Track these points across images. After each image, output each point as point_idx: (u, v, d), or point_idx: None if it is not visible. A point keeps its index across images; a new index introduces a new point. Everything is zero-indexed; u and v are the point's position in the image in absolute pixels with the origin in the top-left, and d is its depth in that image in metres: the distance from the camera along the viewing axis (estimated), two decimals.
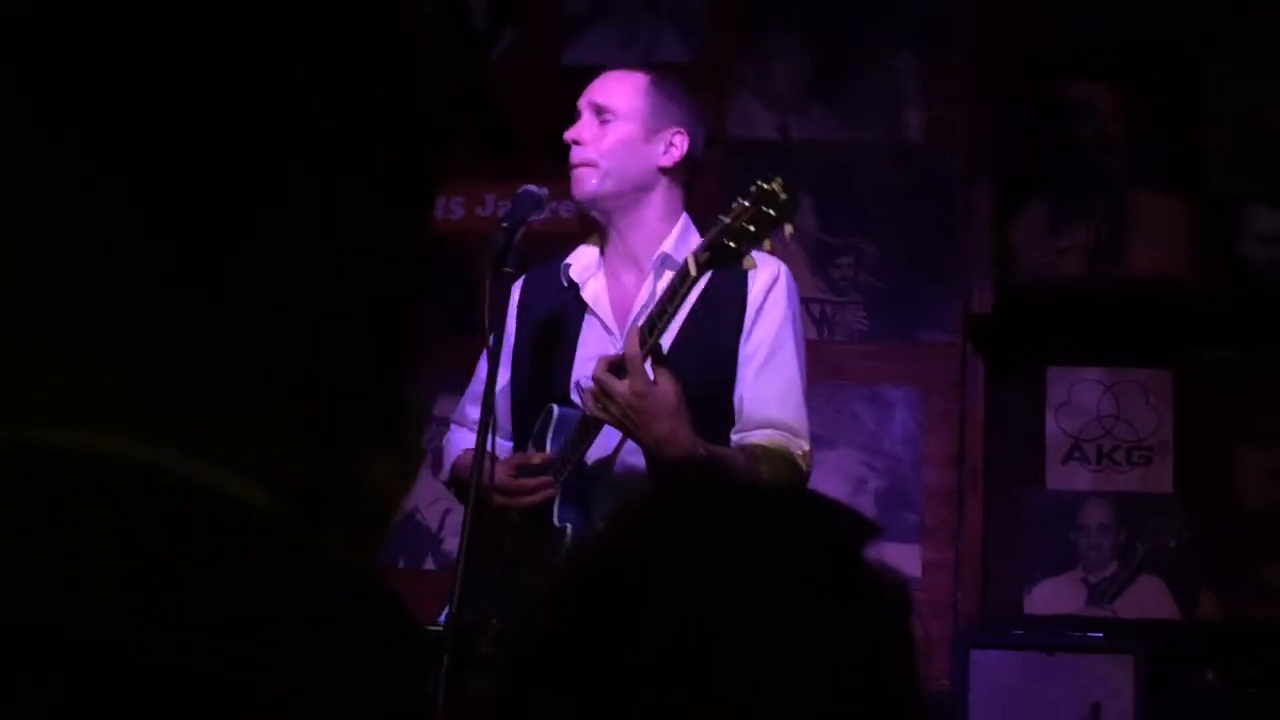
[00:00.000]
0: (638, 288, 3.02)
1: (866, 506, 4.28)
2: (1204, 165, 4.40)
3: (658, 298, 2.78)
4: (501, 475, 2.92)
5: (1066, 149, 4.48)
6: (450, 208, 4.58)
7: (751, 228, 2.69)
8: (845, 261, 4.49)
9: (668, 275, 2.95)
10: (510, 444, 3.11)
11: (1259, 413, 4.32)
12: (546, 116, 4.06)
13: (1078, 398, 4.43)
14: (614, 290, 3.05)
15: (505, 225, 2.90)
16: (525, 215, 2.92)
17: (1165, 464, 4.36)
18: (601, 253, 3.06)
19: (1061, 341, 4.43)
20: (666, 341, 2.87)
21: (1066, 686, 3.90)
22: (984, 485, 4.33)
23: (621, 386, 2.70)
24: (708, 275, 2.90)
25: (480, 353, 2.99)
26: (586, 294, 3.03)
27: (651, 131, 3.03)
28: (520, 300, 3.12)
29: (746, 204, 2.69)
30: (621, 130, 3.02)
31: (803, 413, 3.00)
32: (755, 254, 2.95)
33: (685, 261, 2.74)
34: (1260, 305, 4.30)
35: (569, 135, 3.02)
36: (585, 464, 2.94)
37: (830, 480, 4.11)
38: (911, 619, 0.98)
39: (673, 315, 2.76)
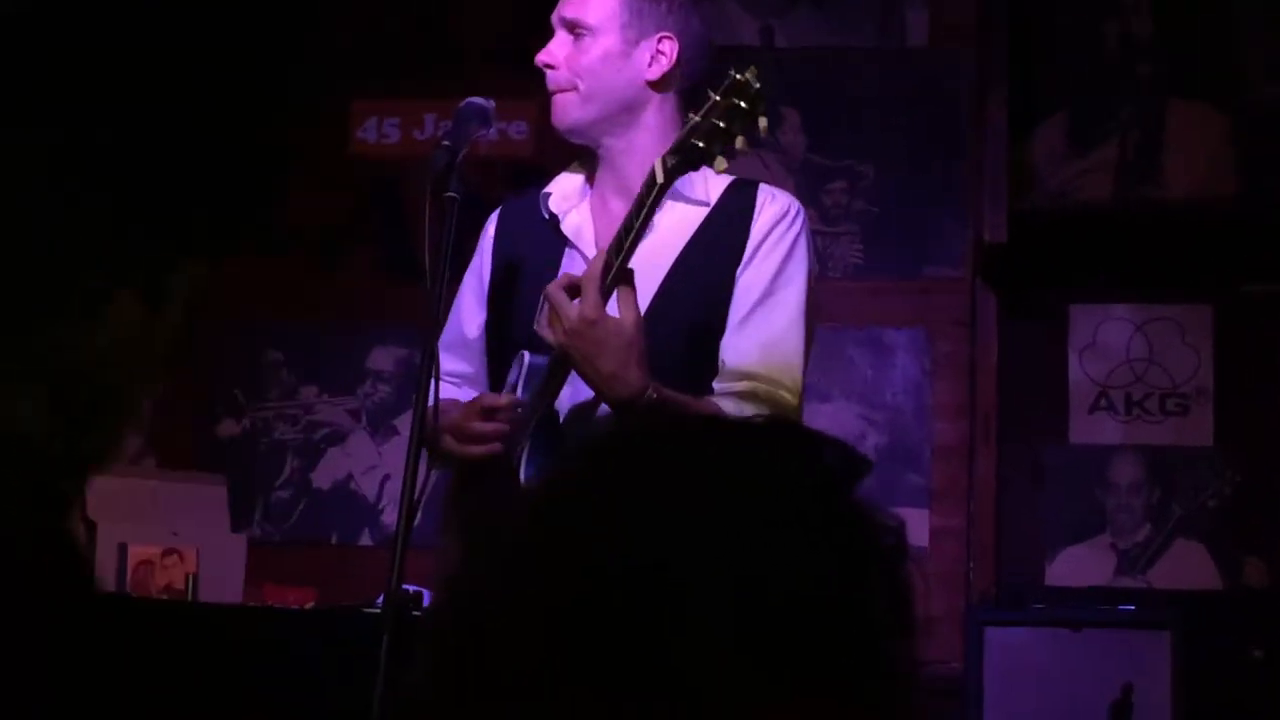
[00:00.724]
0: (623, 214, 2.96)
1: None
2: (1248, 68, 4.42)
3: (627, 216, 2.76)
4: (461, 418, 2.91)
5: (1090, 52, 4.49)
6: (384, 130, 4.60)
7: (722, 124, 2.63)
8: (838, 186, 4.49)
9: (674, 206, 2.94)
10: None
11: None
12: (494, 23, 4.26)
13: (1104, 339, 4.44)
14: (600, 221, 3.01)
15: (447, 144, 2.82)
16: (470, 132, 2.86)
17: (1204, 413, 4.38)
18: (589, 181, 3.04)
19: (1086, 274, 4.45)
20: (656, 274, 2.88)
21: (1094, 666, 3.89)
22: (998, 440, 4.35)
23: (571, 309, 2.67)
24: (713, 203, 2.94)
25: (450, 298, 3.02)
26: (567, 226, 3.00)
27: (633, 41, 2.96)
28: (496, 235, 3.12)
29: (717, 98, 2.64)
30: (598, 45, 2.95)
31: (793, 367, 2.97)
32: (766, 186, 3.01)
33: (653, 170, 2.70)
34: None
35: (541, 58, 2.97)
36: (559, 412, 2.91)
37: None
38: (906, 566, 0.97)
39: (640, 232, 2.71)
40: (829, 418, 4.27)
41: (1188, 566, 4.29)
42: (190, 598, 3.93)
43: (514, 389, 2.96)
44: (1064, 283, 4.45)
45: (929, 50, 4.50)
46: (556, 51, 2.97)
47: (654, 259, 2.91)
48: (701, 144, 2.65)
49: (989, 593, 4.25)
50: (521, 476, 2.88)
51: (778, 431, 1.04)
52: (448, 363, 3.05)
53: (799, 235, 2.95)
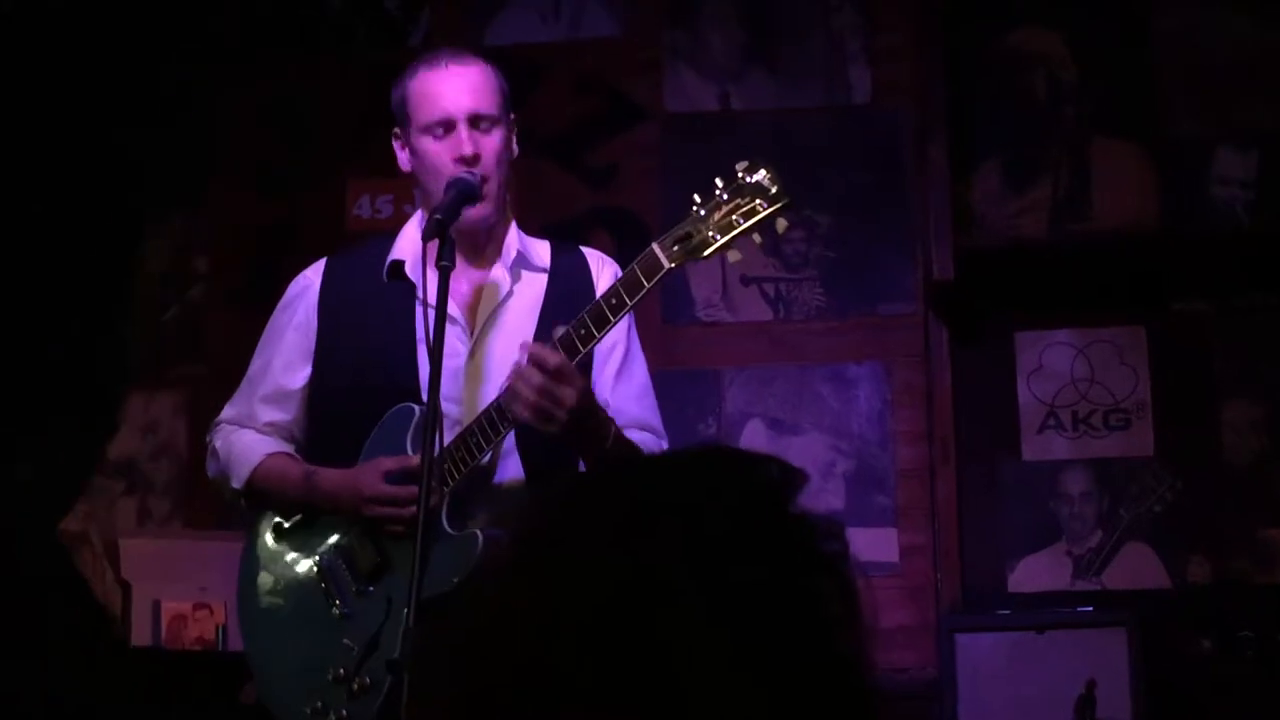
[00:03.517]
0: (481, 280, 2.96)
1: (836, 490, 4.31)
2: (1162, 107, 4.41)
3: (613, 292, 2.73)
4: (376, 484, 2.86)
5: (1020, 100, 4.46)
6: (377, 205, 4.53)
7: (739, 220, 2.63)
8: (797, 235, 4.42)
9: (526, 275, 2.95)
10: (290, 446, 3.03)
11: (1238, 363, 4.32)
12: None
13: (1049, 362, 4.42)
14: (452, 283, 2.90)
15: (439, 217, 2.74)
16: (460, 205, 2.81)
17: (1145, 426, 4.35)
18: (426, 246, 2.88)
19: (1029, 304, 4.42)
20: (522, 336, 2.86)
21: (1058, 665, 3.92)
22: (957, 460, 4.33)
23: (571, 392, 2.71)
24: (546, 272, 2.94)
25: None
26: (421, 291, 2.90)
27: (510, 126, 2.96)
28: (322, 292, 3.03)
29: (725, 196, 2.64)
30: (499, 136, 2.93)
31: (658, 412, 3.04)
32: (587, 249, 3.05)
33: (652, 253, 2.68)
34: (1231, 251, 4.30)
35: (465, 151, 2.89)
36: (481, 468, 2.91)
37: None
38: (849, 564, 0.98)
39: (627, 314, 2.75)
40: (801, 449, 4.28)
41: (1137, 568, 4.26)
42: (220, 647, 4.05)
43: (396, 437, 2.90)
44: (1009, 313, 4.40)
45: (872, 106, 4.45)
46: (473, 144, 2.88)
47: (518, 324, 2.93)
48: (716, 235, 2.62)
49: (957, 602, 4.20)
50: (446, 525, 2.81)
51: (721, 457, 1.05)
52: (265, 414, 3.03)
53: None
